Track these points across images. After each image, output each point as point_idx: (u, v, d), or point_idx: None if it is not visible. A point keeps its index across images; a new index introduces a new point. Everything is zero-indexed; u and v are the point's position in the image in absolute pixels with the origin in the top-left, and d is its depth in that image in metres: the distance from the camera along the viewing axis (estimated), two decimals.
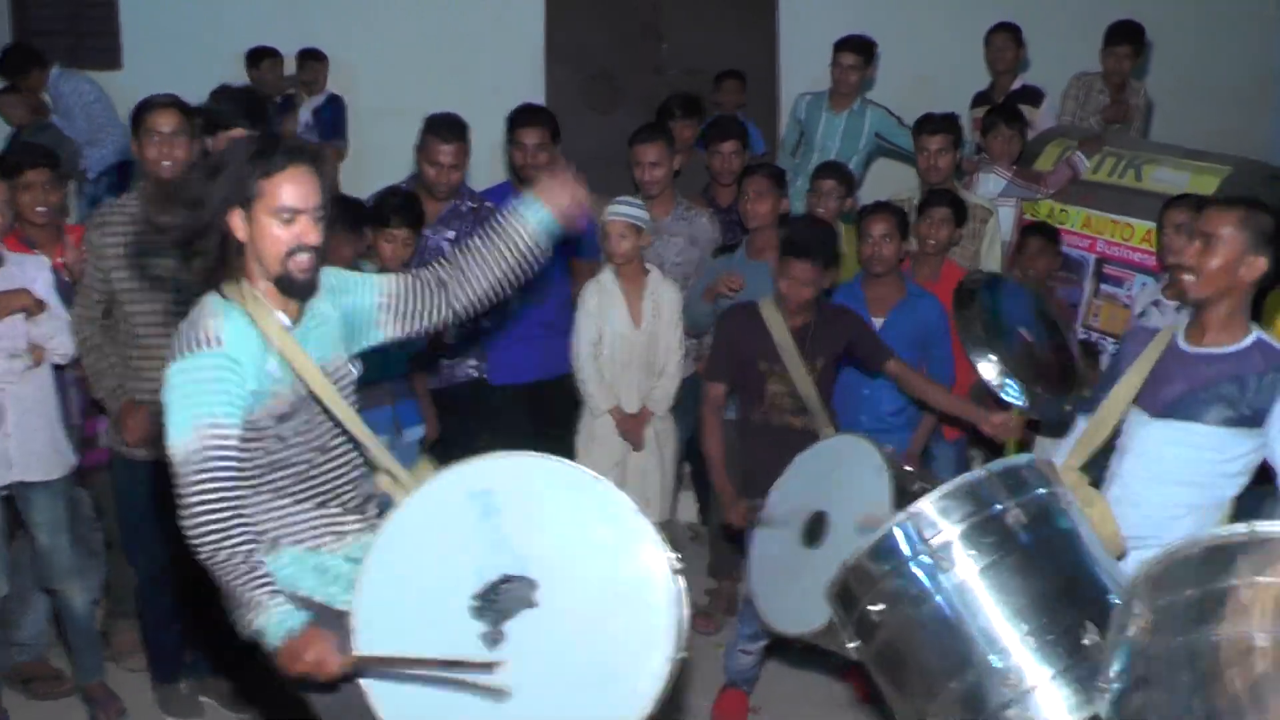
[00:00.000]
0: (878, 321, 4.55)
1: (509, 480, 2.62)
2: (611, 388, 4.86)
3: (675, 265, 5.12)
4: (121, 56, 8.56)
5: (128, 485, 4.12)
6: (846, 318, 4.32)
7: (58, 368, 4.12)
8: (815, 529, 3.51)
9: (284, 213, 2.65)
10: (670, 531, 5.06)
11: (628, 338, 4.83)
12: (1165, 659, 2.24)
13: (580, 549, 2.61)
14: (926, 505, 2.71)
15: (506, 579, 2.57)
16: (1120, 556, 3.03)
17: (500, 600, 2.55)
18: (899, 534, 2.72)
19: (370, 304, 2.90)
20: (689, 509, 5.65)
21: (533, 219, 3.02)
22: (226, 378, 2.60)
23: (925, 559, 2.68)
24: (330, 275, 2.86)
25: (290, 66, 8.04)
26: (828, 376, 4.24)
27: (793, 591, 3.50)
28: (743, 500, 4.16)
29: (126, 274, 3.97)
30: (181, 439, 2.57)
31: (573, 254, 5.18)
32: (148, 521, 4.12)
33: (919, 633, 2.70)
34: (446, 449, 4.85)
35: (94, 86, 7.85)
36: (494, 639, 2.54)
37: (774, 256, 4.63)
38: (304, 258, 2.68)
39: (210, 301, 2.69)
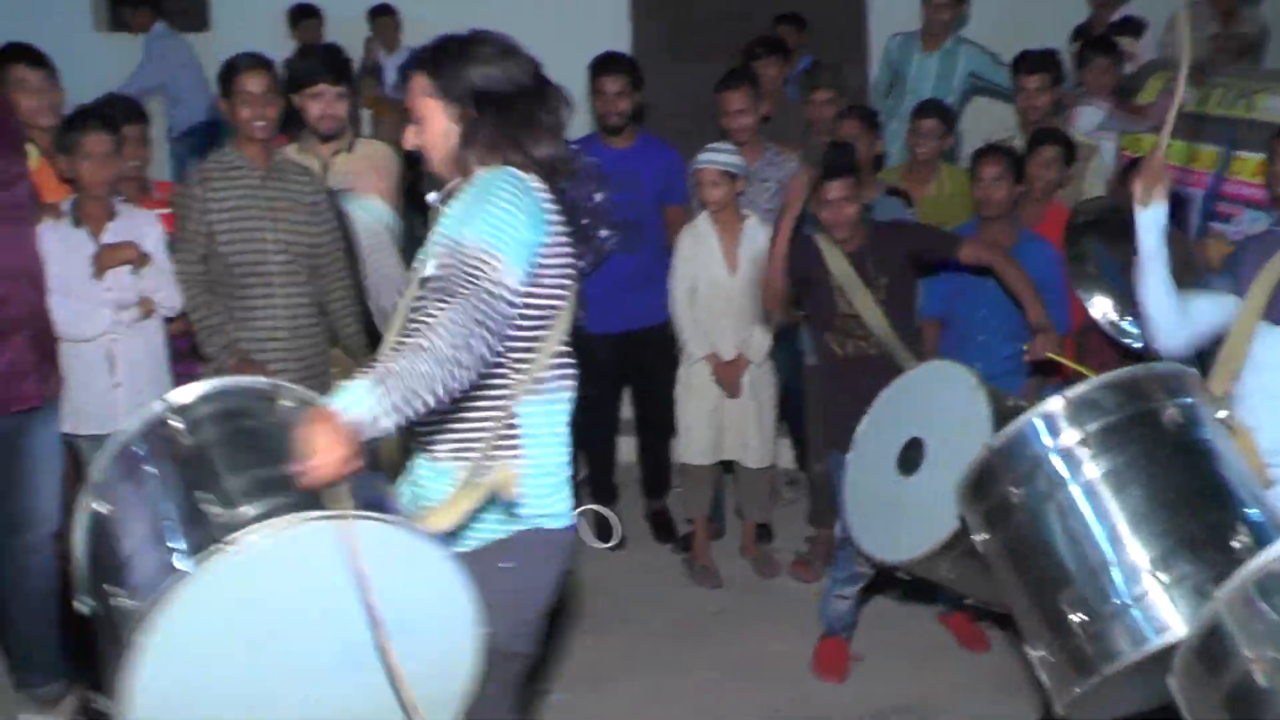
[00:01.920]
0: None
1: None
2: (707, 335, 4.83)
3: (767, 211, 5.05)
4: (209, 18, 8.65)
5: None
6: (900, 229, 4.26)
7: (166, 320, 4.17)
8: (911, 456, 3.46)
9: None
10: (770, 478, 5.08)
11: (723, 285, 4.79)
12: None
13: None
14: (1083, 390, 2.69)
15: None
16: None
17: None
18: (1050, 417, 2.69)
19: None
20: (786, 456, 5.60)
21: None
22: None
23: (1073, 447, 2.66)
24: None
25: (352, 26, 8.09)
26: (898, 297, 4.16)
27: (892, 521, 3.48)
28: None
29: (230, 226, 4.03)
30: None
31: (665, 202, 5.14)
32: None
33: (1057, 520, 2.66)
34: None
35: (187, 50, 8.00)
36: None
37: (870, 193, 4.58)
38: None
39: None
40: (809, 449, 5.09)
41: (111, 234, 3.98)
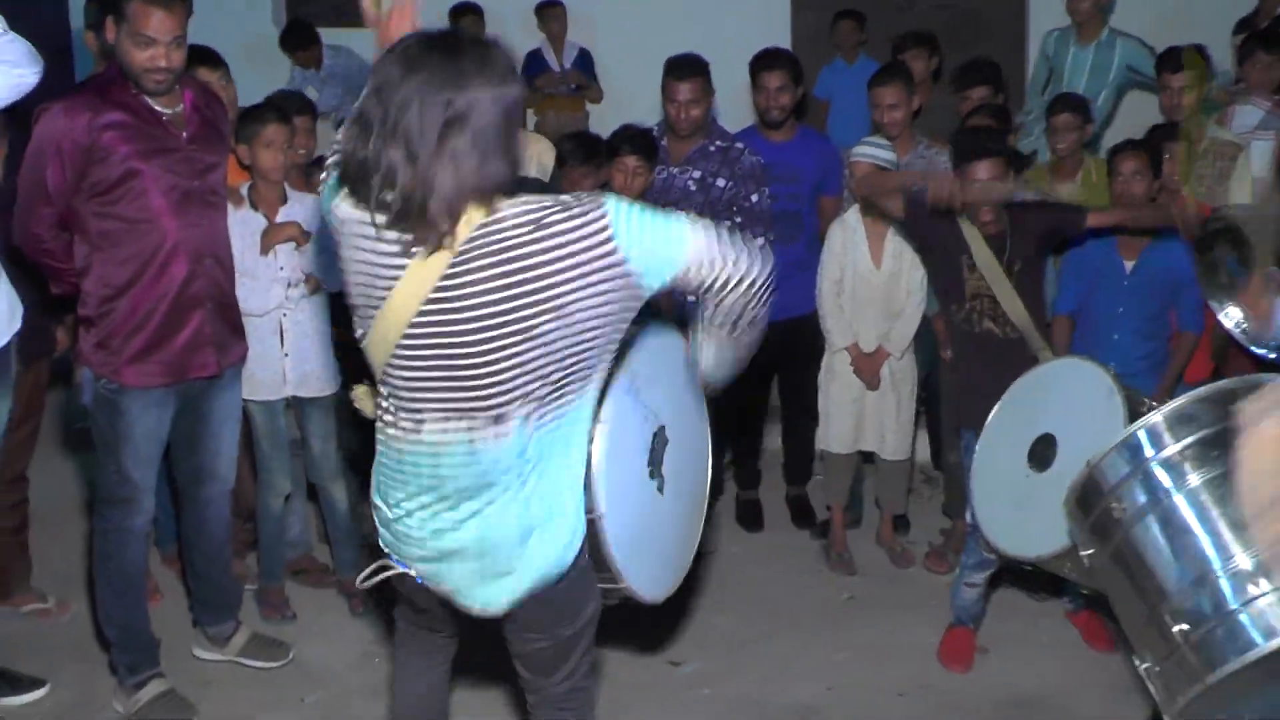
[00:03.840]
0: (1129, 264, 4.49)
1: (639, 359, 2.75)
2: (851, 326, 4.94)
3: None
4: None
5: None
6: (1031, 208, 4.29)
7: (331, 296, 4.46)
8: (1042, 452, 3.50)
9: None
10: (908, 470, 5.18)
11: (868, 278, 4.89)
12: None
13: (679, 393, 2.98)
14: (1179, 405, 2.77)
15: (654, 436, 2.86)
16: None
17: (655, 453, 2.86)
18: (1146, 433, 2.78)
19: None
20: (924, 450, 5.66)
21: None
22: None
23: (1172, 460, 2.73)
24: None
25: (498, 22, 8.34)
26: (1029, 281, 4.20)
27: (1022, 516, 3.51)
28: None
29: None
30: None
31: (821, 193, 5.27)
32: None
33: (1158, 532, 2.73)
34: None
35: (357, 60, 8.42)
36: (660, 484, 2.90)
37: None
38: None
39: None
40: (943, 442, 5.17)
41: (283, 216, 4.31)
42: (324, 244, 2.43)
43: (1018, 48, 8.05)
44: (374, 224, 2.29)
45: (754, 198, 4.91)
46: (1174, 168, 4.72)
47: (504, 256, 2.26)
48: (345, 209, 2.35)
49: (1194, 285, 4.37)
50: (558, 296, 2.27)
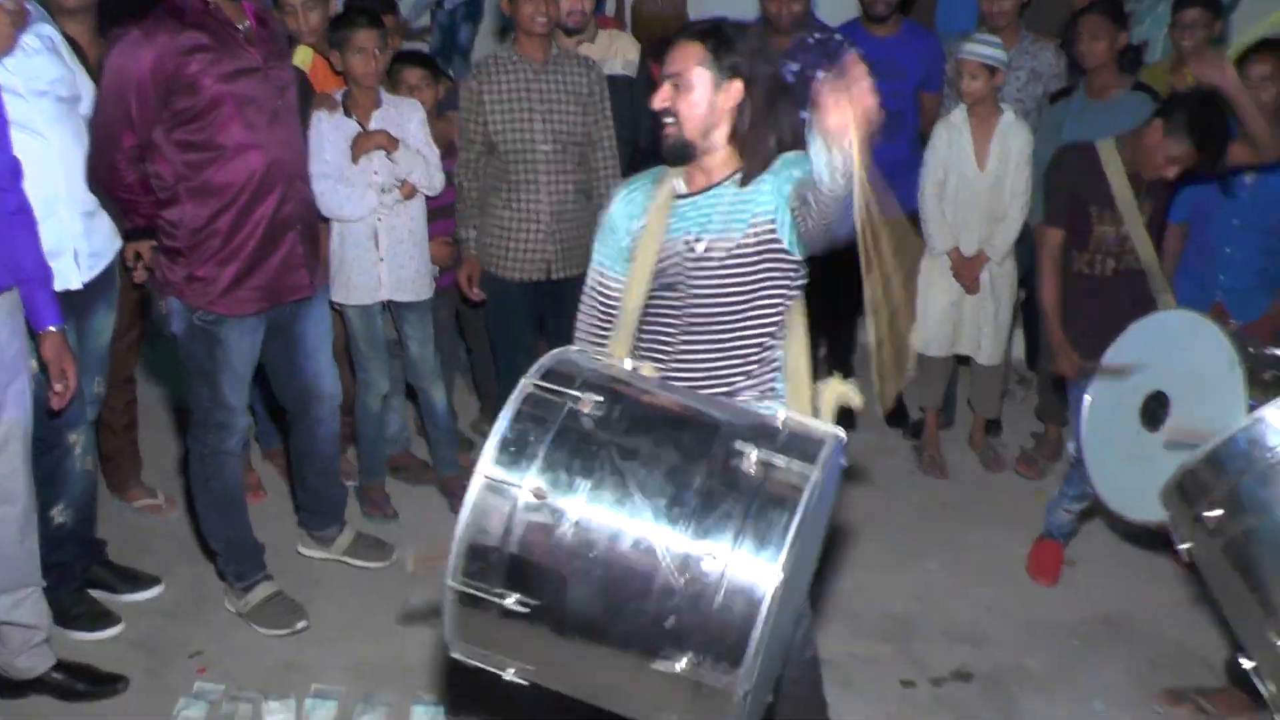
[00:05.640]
0: (1249, 178, 4.30)
1: None
2: (952, 229, 4.86)
3: (1016, 100, 5.01)
4: None
5: (498, 302, 4.56)
6: None
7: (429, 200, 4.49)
8: (1154, 410, 3.42)
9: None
10: (1002, 375, 5.12)
11: (971, 180, 4.79)
12: None
13: None
14: (1275, 412, 2.59)
15: None
16: None
17: None
18: (1243, 440, 2.60)
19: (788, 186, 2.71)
20: (1019, 349, 5.60)
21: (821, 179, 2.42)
22: (603, 235, 2.90)
23: (1268, 469, 2.57)
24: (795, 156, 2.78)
25: None
26: (1156, 220, 4.09)
27: (1131, 474, 3.42)
28: (1075, 354, 4.09)
29: (503, 118, 4.34)
30: None
31: (922, 89, 5.15)
32: (516, 333, 4.56)
33: (1257, 546, 2.57)
34: None
35: None
36: None
37: (1116, 92, 4.44)
38: (665, 123, 2.74)
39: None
40: (1041, 347, 5.10)
41: (377, 121, 4.31)
42: None
43: None
44: None
45: (820, 75, 4.79)
46: None
47: None
48: None
49: None
50: None
